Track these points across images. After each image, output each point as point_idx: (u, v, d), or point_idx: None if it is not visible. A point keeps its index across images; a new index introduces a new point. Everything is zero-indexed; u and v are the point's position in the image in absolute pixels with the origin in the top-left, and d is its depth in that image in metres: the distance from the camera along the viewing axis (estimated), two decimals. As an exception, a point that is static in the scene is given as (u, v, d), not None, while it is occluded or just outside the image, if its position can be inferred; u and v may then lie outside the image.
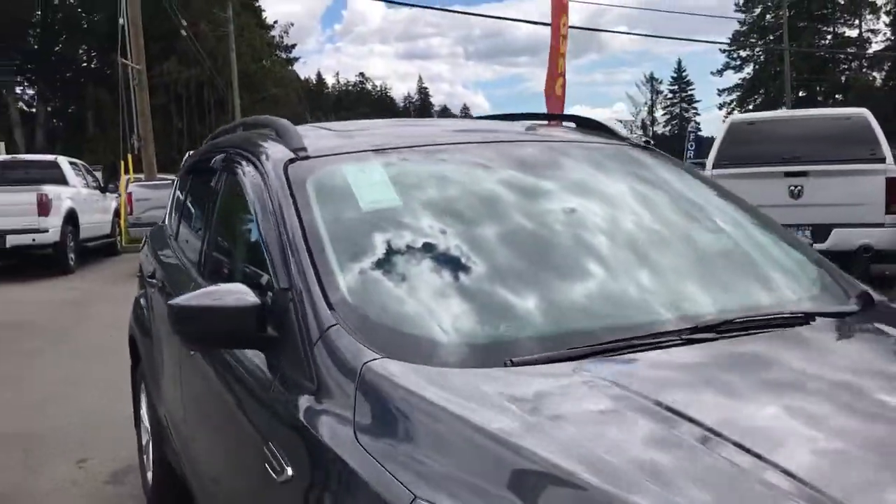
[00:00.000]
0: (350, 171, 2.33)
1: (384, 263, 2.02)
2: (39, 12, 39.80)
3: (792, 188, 8.47)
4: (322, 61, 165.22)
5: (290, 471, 1.70)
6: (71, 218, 13.37)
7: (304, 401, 1.75)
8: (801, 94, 53.70)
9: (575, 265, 2.05)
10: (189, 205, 3.57)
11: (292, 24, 50.31)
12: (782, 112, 10.27)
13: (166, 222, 4.03)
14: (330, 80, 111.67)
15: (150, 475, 3.75)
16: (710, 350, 1.77)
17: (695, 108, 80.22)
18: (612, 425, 1.47)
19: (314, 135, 2.71)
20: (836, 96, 54.09)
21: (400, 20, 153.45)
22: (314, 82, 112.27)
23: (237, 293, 1.98)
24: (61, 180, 14.08)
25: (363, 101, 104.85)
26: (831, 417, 1.52)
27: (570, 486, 1.30)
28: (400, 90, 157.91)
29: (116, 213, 16.54)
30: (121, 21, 19.34)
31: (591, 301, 1.94)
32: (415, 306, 1.89)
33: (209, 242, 2.87)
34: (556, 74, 10.59)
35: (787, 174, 8.48)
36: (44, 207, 12.52)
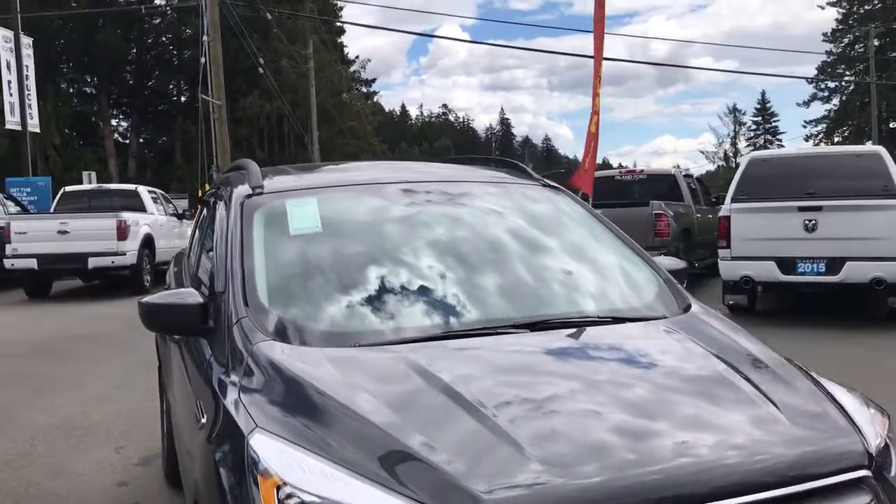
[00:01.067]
0: (289, 204, 3.01)
1: (293, 274, 2.70)
2: (135, 50, 42.57)
3: (806, 222, 8.76)
4: (407, 93, 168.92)
5: (203, 419, 2.37)
6: (147, 243, 14.59)
7: (219, 370, 2.43)
8: (891, 125, 52.14)
9: (429, 276, 2.66)
10: (195, 230, 4.33)
11: (369, 60, 52.20)
12: (799, 149, 10.58)
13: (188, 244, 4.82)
14: (414, 112, 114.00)
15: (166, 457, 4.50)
16: (505, 340, 2.38)
17: (779, 140, 78.66)
18: (392, 381, 2.13)
19: (275, 175, 3.42)
20: (929, 129, 52.30)
21: (484, 53, 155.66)
22: (398, 114, 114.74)
23: (187, 295, 2.69)
24: (140, 208, 15.36)
25: (445, 132, 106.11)
26: (548, 382, 2.14)
27: (356, 419, 1.96)
28: (483, 121, 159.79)
29: (192, 239, 17.76)
30: (202, 60, 20.78)
31: (434, 304, 2.56)
32: (303, 305, 2.55)
33: (196, 259, 3.60)
34: (592, 112, 11.22)
35: (802, 209, 8.78)
36: (122, 233, 13.73)
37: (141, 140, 45.48)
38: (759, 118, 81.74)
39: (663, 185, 12.94)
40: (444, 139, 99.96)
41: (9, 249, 13.62)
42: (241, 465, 1.94)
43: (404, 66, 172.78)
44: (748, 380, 2.18)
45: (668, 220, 11.28)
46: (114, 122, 44.74)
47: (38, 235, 13.60)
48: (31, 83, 22.34)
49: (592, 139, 11.12)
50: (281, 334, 2.39)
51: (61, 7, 36.32)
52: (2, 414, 6.21)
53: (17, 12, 21.39)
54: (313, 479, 1.78)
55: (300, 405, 2.07)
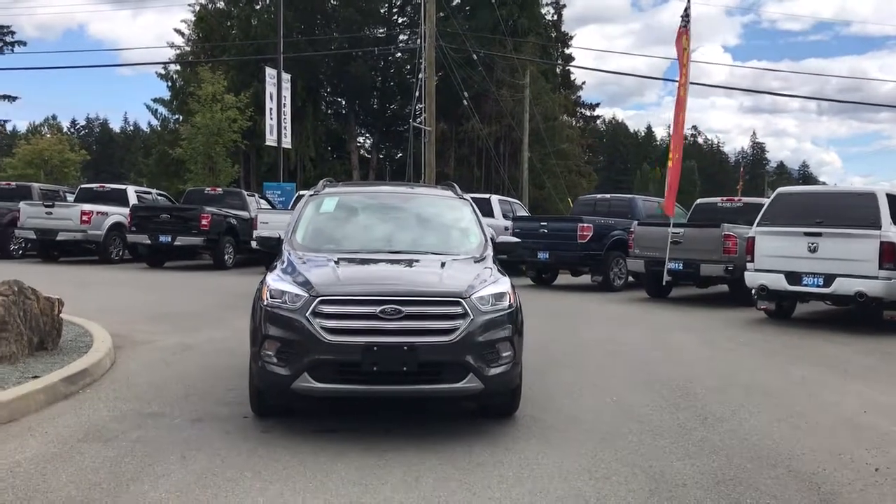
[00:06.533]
0: (325, 198, 6.75)
1: (316, 227, 6.47)
2: (380, 79, 49.23)
3: (810, 245, 11.08)
4: (661, 113, 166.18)
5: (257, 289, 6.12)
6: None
7: (274, 265, 6.17)
8: None
9: (366, 232, 6.34)
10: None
11: (584, 83, 56.03)
12: (817, 187, 12.75)
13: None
14: (660, 133, 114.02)
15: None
16: (374, 258, 5.93)
17: None
18: (320, 266, 5.73)
19: (332, 186, 7.19)
20: None
21: (747, 74, 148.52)
22: (643, 135, 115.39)
23: (273, 235, 6.52)
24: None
25: (692, 155, 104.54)
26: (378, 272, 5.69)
27: (297, 271, 5.64)
28: (739, 143, 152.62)
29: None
30: (416, 94, 25.36)
31: (371, 242, 6.19)
32: (312, 239, 6.29)
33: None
34: (671, 150, 13.97)
35: (807, 233, 11.11)
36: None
37: (381, 155, 52.18)
38: None
39: (757, 211, 15.13)
40: (689, 161, 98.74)
41: (255, 234, 18.80)
42: (262, 285, 5.67)
43: (659, 86, 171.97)
44: (446, 269, 5.56)
45: (737, 240, 13.62)
46: (360, 140, 51.85)
47: (275, 225, 18.46)
48: (286, 110, 28.35)
49: (671, 173, 13.85)
50: (296, 248, 6.11)
51: (324, 47, 43.51)
52: (226, 322, 10.56)
53: (279, 54, 27.39)
54: (276, 284, 5.48)
55: (286, 268, 5.75)
